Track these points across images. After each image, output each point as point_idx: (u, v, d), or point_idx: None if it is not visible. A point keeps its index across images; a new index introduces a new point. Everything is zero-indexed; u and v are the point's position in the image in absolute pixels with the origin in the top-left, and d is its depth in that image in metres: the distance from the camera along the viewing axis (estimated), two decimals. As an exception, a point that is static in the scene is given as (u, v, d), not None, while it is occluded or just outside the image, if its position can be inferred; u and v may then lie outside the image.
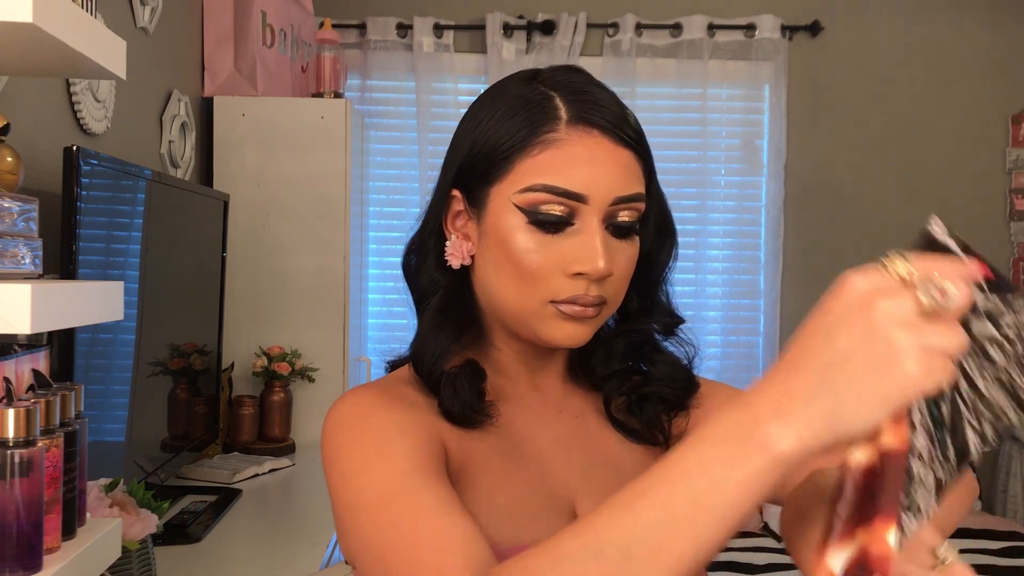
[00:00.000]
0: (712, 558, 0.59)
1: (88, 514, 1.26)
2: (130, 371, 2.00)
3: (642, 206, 0.88)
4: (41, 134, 1.78)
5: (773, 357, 3.83)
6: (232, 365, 2.86)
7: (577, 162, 0.84)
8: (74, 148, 1.55)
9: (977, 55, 3.86)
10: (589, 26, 3.74)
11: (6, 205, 1.13)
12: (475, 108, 0.92)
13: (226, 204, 2.66)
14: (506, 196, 0.86)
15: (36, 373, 1.17)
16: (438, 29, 3.70)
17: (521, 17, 3.73)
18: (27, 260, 1.14)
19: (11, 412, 1.02)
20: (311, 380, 2.86)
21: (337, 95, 3.04)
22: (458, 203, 0.92)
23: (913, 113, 3.86)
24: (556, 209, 0.84)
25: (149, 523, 1.46)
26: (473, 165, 0.89)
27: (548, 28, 3.71)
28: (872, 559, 0.55)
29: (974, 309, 0.57)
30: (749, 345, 3.87)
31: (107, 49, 1.18)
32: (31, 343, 1.30)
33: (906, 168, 3.87)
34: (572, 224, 0.84)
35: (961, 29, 3.85)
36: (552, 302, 0.85)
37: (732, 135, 3.85)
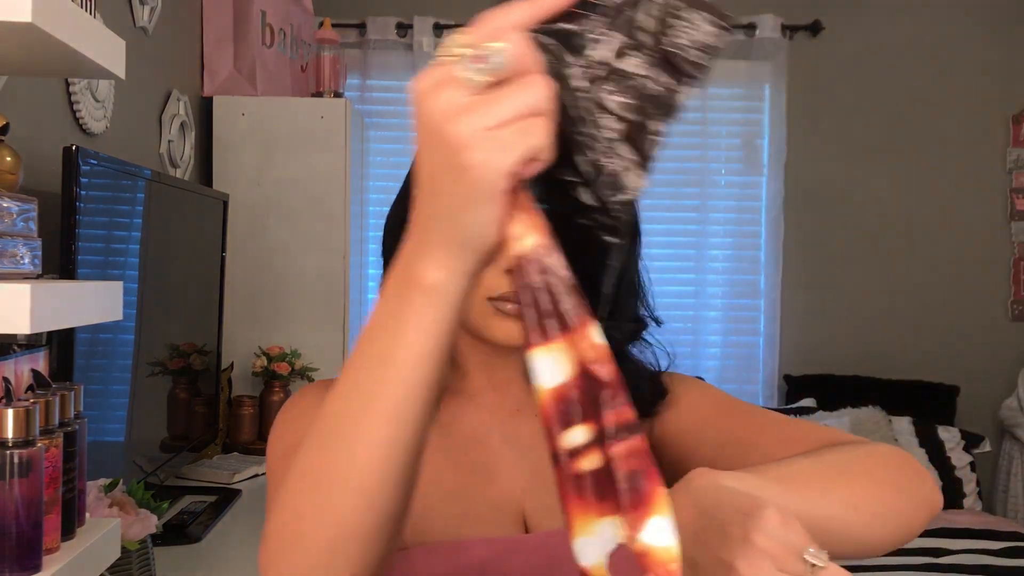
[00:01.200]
0: (425, 419, 0.57)
1: (87, 514, 1.26)
2: (129, 371, 2.00)
3: None
4: (40, 134, 1.78)
5: (774, 357, 3.83)
6: (232, 365, 2.86)
7: None
8: (73, 148, 1.55)
9: (977, 55, 3.85)
10: (589, 26, 3.74)
11: (5, 205, 1.12)
12: None
13: (225, 204, 2.66)
14: None
15: (35, 373, 1.17)
16: (438, 29, 3.70)
17: (521, 17, 3.72)
18: (26, 260, 1.14)
19: (10, 412, 1.02)
20: (311, 380, 2.85)
21: (337, 95, 3.04)
22: None
23: (913, 113, 3.86)
24: None
25: (149, 523, 1.45)
26: None
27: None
28: (590, 366, 0.50)
29: (571, 43, 0.50)
30: (750, 345, 3.87)
31: (106, 49, 1.18)
32: (30, 343, 1.30)
33: (906, 168, 3.87)
34: None
35: (961, 29, 3.85)
36: (489, 299, 0.83)
37: (732, 135, 3.85)
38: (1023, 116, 3.87)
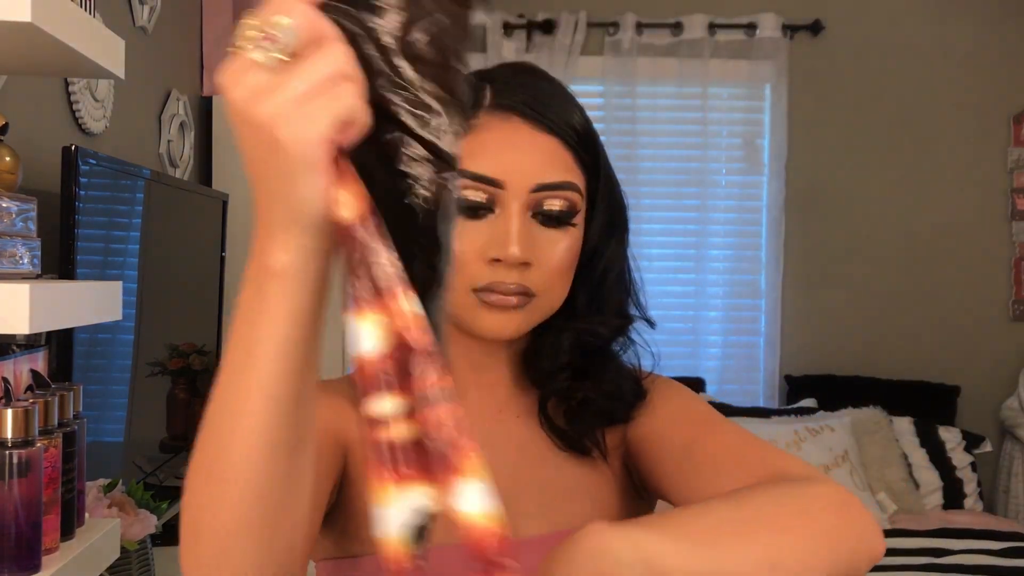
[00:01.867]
0: (300, 408, 0.57)
1: (87, 515, 1.26)
2: (129, 371, 2.00)
3: (575, 196, 0.85)
4: (39, 134, 1.78)
5: (774, 357, 3.83)
6: (232, 365, 2.86)
7: (493, 147, 0.82)
8: (73, 148, 1.55)
9: (978, 55, 3.85)
10: (589, 25, 3.74)
11: (4, 205, 1.12)
12: None
13: (225, 204, 2.66)
14: None
15: (34, 373, 1.17)
16: (438, 28, 3.69)
17: (521, 16, 3.72)
18: (25, 260, 1.14)
19: (9, 412, 1.02)
20: (311, 380, 2.85)
21: (337, 94, 3.04)
22: None
23: (914, 112, 3.85)
24: (473, 195, 0.82)
25: (148, 523, 1.45)
26: None
27: (548, 27, 3.70)
28: (404, 335, 0.50)
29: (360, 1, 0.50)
30: (750, 345, 3.86)
31: (106, 48, 1.18)
32: (28, 343, 1.30)
33: (907, 167, 3.87)
34: (492, 211, 0.83)
35: (962, 28, 3.84)
36: (474, 290, 0.83)
37: (733, 134, 3.85)
38: (1024, 116, 3.87)
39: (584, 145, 0.86)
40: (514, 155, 0.83)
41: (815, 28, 3.81)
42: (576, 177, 0.85)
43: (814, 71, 3.83)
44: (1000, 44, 3.85)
